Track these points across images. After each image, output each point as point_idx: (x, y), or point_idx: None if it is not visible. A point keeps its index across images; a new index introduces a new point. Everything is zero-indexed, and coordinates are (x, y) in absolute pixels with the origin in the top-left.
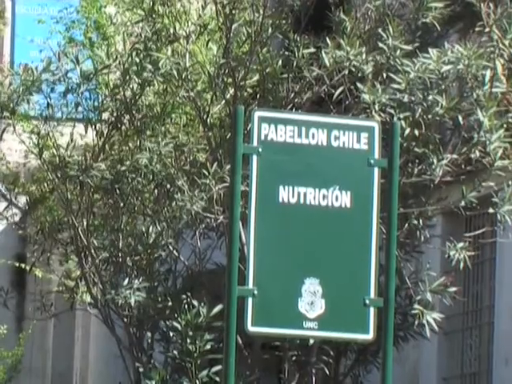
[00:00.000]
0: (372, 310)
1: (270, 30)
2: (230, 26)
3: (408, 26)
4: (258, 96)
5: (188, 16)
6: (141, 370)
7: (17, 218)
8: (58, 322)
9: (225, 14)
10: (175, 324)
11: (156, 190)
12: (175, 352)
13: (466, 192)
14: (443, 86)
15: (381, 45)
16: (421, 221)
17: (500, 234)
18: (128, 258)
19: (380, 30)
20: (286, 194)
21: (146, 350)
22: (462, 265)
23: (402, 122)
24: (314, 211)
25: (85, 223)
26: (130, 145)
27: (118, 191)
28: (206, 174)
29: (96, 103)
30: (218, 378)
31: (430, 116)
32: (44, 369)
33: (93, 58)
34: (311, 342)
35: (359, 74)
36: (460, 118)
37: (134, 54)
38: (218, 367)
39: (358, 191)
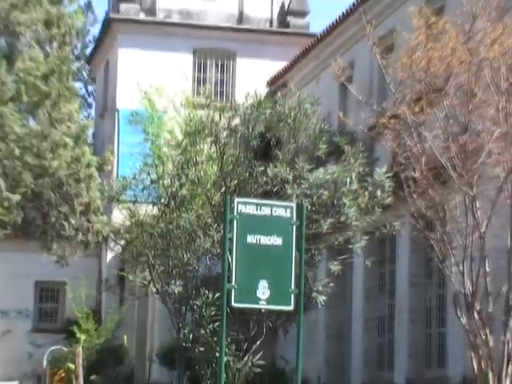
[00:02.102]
0: (293, 295)
1: (242, 158)
2: (222, 157)
3: (309, 156)
4: (237, 191)
5: (202, 151)
6: (180, 324)
7: (119, 250)
8: (139, 302)
9: (220, 151)
10: (197, 302)
11: (187, 237)
12: (196, 316)
13: (337, 237)
14: (327, 186)
15: (296, 166)
16: (316, 252)
17: (354, 258)
18: (174, 270)
19: (296, 159)
20: (251, 239)
21: (182, 315)
22: (336, 273)
23: (307, 203)
24: (264, 247)
25: (152, 253)
26: (175, 215)
27: (168, 237)
28: (212, 229)
29: (157, 194)
30: (218, 328)
31: (320, 200)
32: (132, 324)
33: (157, 172)
34: (263, 311)
35: (286, 180)
36: (329, 198)
37: (176, 170)
38: (218, 323)
39: (285, 237)
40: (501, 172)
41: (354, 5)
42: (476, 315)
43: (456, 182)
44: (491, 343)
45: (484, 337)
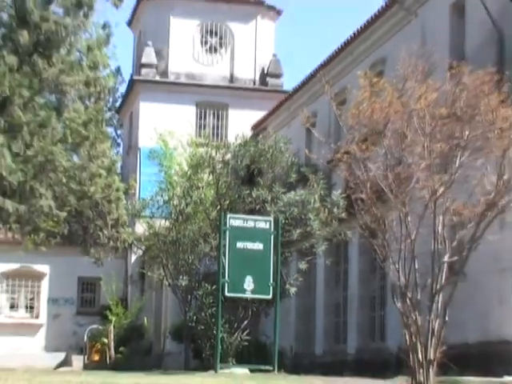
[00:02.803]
0: (271, 287)
1: (232, 184)
2: (217, 183)
3: (283, 182)
4: (229, 208)
5: (202, 179)
6: (186, 309)
7: (141, 254)
8: (156, 292)
9: (216, 179)
10: (199, 292)
11: (192, 243)
12: (199, 303)
13: (305, 243)
14: (296, 204)
15: (273, 189)
16: (289, 254)
17: (317, 259)
18: (181, 268)
19: (273, 184)
20: (240, 245)
21: (188, 302)
22: (303, 270)
23: (281, 218)
24: (249, 251)
25: (165, 256)
26: (182, 227)
27: (177, 244)
28: (210, 237)
29: (169, 211)
30: (215, 312)
31: (291, 215)
32: (151, 309)
33: (168, 195)
34: (249, 299)
35: (266, 200)
36: (298, 213)
37: (183, 193)
38: (215, 308)
39: (265, 243)
40: (426, 194)
41: (316, 69)
42: (408, 301)
43: (393, 202)
44: (419, 322)
45: (414, 317)
